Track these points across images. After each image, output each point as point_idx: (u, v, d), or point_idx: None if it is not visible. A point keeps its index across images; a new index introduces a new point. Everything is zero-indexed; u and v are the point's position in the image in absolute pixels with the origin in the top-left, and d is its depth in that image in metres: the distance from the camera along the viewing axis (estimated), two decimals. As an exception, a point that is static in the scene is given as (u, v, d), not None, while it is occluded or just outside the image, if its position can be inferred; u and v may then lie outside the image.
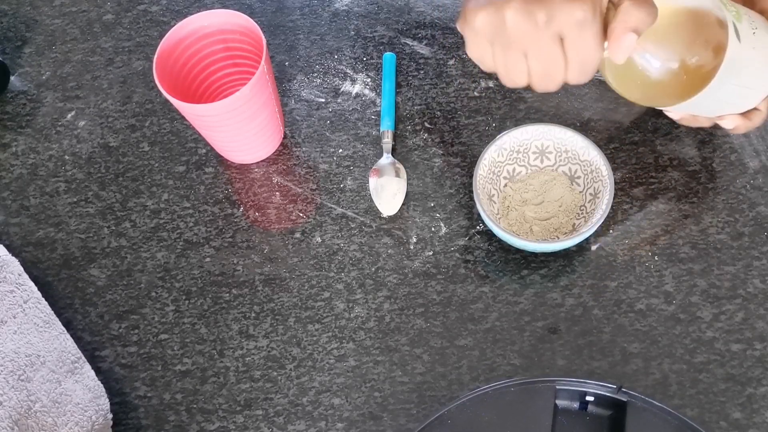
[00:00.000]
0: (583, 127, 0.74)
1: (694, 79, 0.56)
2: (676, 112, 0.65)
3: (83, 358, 0.65)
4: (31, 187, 0.78)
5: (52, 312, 0.66)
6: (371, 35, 0.82)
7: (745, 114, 0.64)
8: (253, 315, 0.69)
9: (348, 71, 0.81)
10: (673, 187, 0.71)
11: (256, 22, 0.69)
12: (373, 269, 0.70)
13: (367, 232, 0.72)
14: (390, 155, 0.74)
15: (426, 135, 0.76)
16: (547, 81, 0.54)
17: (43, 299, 0.66)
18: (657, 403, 0.56)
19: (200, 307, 0.70)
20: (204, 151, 0.78)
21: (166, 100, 0.80)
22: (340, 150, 0.76)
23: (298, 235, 0.73)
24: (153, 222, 0.75)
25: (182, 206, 0.75)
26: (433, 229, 0.71)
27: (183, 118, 0.80)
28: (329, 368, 0.66)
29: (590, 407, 0.59)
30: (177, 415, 0.66)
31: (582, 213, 0.68)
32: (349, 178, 0.75)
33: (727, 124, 0.64)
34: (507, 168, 0.70)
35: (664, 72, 0.55)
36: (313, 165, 0.76)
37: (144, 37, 0.86)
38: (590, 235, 0.68)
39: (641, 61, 0.55)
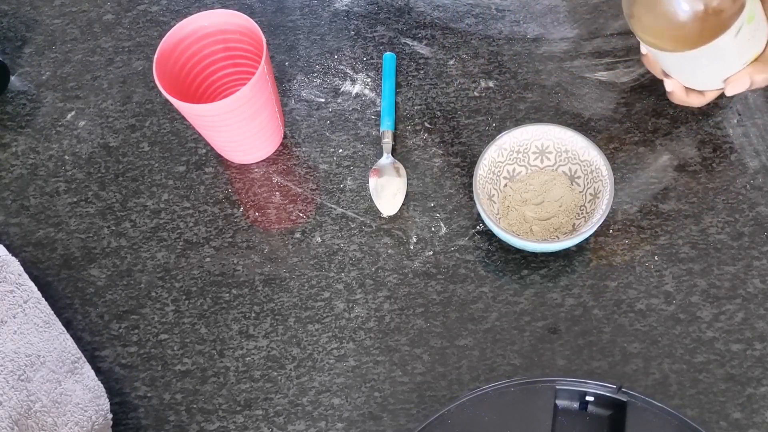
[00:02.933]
0: (583, 127, 0.74)
1: (707, 29, 0.60)
2: (670, 82, 0.68)
3: (83, 358, 0.65)
4: (31, 187, 0.78)
5: (52, 312, 0.66)
6: (371, 35, 0.82)
7: (689, 90, 0.68)
8: (253, 315, 0.69)
9: (348, 71, 0.81)
10: (673, 187, 0.71)
11: (256, 22, 0.69)
12: (373, 269, 0.70)
13: (367, 232, 0.72)
14: (390, 155, 0.74)
15: (426, 135, 0.76)
16: None
17: (43, 299, 0.66)
18: (657, 403, 0.56)
19: (200, 307, 0.70)
20: (204, 151, 0.78)
21: (166, 100, 0.80)
22: (340, 150, 0.76)
23: (298, 235, 0.73)
24: (153, 222, 0.75)
25: (182, 206, 0.75)
26: (433, 229, 0.71)
27: (183, 118, 0.80)
28: (329, 368, 0.66)
29: (590, 407, 0.58)
30: (177, 415, 0.66)
31: (582, 213, 0.68)
32: (349, 178, 0.75)
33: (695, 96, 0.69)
34: (507, 168, 0.70)
35: (688, 12, 0.59)
36: (313, 165, 0.76)
37: (144, 37, 0.86)
38: (590, 235, 0.68)
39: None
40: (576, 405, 0.59)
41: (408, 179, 0.74)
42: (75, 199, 0.77)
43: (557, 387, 0.57)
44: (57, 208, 0.77)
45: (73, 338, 0.67)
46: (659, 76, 0.69)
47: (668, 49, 0.63)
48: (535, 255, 0.69)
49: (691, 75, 0.66)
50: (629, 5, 0.63)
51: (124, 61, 0.84)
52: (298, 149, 0.77)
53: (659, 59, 0.66)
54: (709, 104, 0.72)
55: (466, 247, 0.70)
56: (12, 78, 0.85)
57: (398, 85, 0.79)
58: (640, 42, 0.67)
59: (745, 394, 0.62)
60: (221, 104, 0.66)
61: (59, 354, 0.64)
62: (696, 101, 0.69)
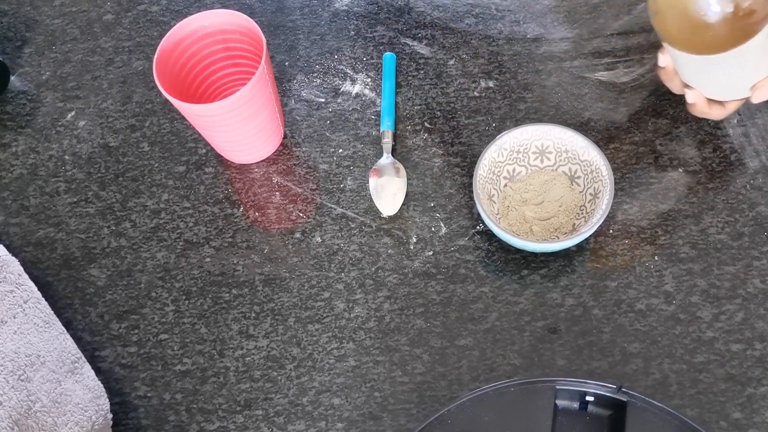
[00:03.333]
0: (583, 127, 0.74)
1: (737, 32, 0.58)
2: (692, 93, 0.66)
3: (83, 358, 0.65)
4: (31, 187, 0.78)
5: (52, 312, 0.66)
6: (371, 35, 0.82)
7: (710, 102, 0.66)
8: (253, 315, 0.69)
9: (348, 71, 0.81)
10: (673, 187, 0.71)
11: (256, 22, 0.69)
12: (373, 269, 0.70)
13: (367, 232, 0.72)
14: (390, 155, 0.74)
15: (426, 135, 0.76)
16: None
17: (43, 299, 0.66)
18: (657, 403, 0.56)
19: (200, 307, 0.70)
20: (204, 151, 0.78)
21: (166, 100, 0.80)
22: (340, 150, 0.76)
23: (298, 235, 0.73)
24: (153, 222, 0.75)
25: (182, 206, 0.75)
26: (433, 229, 0.71)
27: (183, 118, 0.80)
28: (329, 368, 0.66)
29: (590, 407, 0.59)
30: (177, 415, 0.66)
31: (582, 213, 0.68)
32: (349, 178, 0.75)
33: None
34: (507, 168, 0.70)
35: (718, 14, 0.57)
36: (313, 165, 0.76)
37: (144, 37, 0.86)
38: (590, 235, 0.68)
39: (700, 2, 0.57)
40: (576, 405, 0.59)
41: (408, 179, 0.74)
42: (75, 199, 0.77)
43: (557, 387, 0.57)
44: (57, 208, 0.77)
45: (73, 338, 0.66)
46: (677, 90, 0.68)
47: (693, 52, 0.61)
48: (535, 255, 0.69)
49: (715, 82, 0.64)
50: (655, 2, 0.60)
51: (124, 61, 0.84)
52: (298, 149, 0.77)
53: (680, 68, 0.64)
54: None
55: (466, 247, 0.70)
56: (12, 78, 0.85)
57: (398, 85, 0.79)
58: (660, 54, 0.65)
59: (745, 394, 0.62)
60: (221, 104, 0.66)
61: (59, 354, 0.64)
62: (717, 113, 0.67)
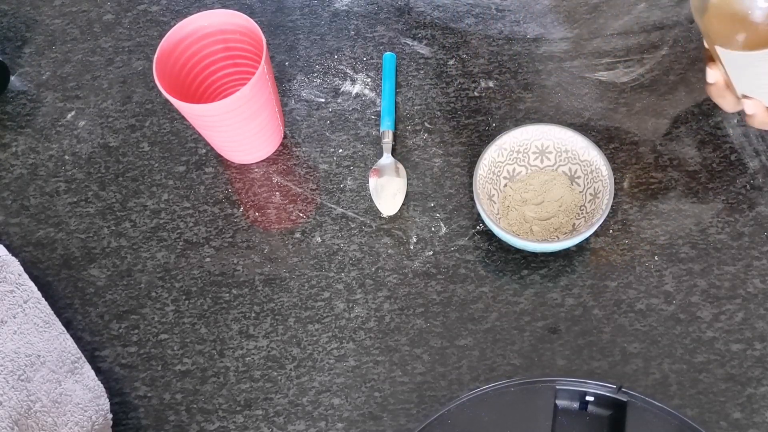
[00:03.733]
0: (583, 127, 0.74)
1: None
2: (751, 103, 0.62)
3: (83, 358, 0.65)
4: (31, 187, 0.78)
5: (52, 312, 0.66)
6: (371, 35, 0.82)
7: None
8: (253, 315, 0.69)
9: (348, 71, 0.81)
10: (673, 187, 0.71)
11: (256, 22, 0.69)
12: (373, 269, 0.70)
13: (367, 232, 0.72)
14: (390, 155, 0.74)
15: (426, 135, 0.76)
16: None
17: (43, 299, 0.66)
18: (657, 403, 0.56)
19: (200, 307, 0.70)
20: (204, 151, 0.78)
21: (166, 100, 0.80)
22: (340, 150, 0.76)
23: (298, 235, 0.73)
24: (153, 222, 0.75)
25: (182, 206, 0.75)
26: (433, 229, 0.71)
27: (183, 118, 0.80)
28: (329, 368, 0.66)
29: (590, 407, 0.58)
30: (177, 415, 0.66)
31: (582, 213, 0.68)
32: (349, 178, 0.75)
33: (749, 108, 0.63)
34: (507, 168, 0.70)
35: (765, 9, 0.55)
36: (313, 165, 0.76)
37: (144, 37, 0.86)
38: (590, 235, 0.68)
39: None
40: (576, 405, 0.59)
41: (408, 179, 0.74)
42: (75, 199, 0.77)
43: (557, 387, 0.57)
44: (57, 208, 0.77)
45: (73, 338, 0.67)
46: (731, 107, 0.64)
47: (745, 48, 0.57)
48: (535, 255, 0.69)
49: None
50: (707, 14, 0.57)
51: (124, 61, 0.84)
52: (298, 149, 0.77)
53: (735, 77, 0.61)
54: (710, 104, 0.72)
55: (466, 247, 0.70)
56: (12, 78, 0.85)
57: (398, 85, 0.79)
58: (709, 69, 0.62)
59: (745, 394, 0.62)
60: (221, 104, 0.66)
61: (59, 354, 0.64)
62: None
